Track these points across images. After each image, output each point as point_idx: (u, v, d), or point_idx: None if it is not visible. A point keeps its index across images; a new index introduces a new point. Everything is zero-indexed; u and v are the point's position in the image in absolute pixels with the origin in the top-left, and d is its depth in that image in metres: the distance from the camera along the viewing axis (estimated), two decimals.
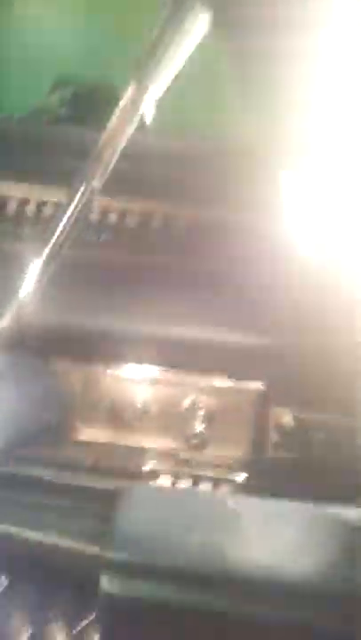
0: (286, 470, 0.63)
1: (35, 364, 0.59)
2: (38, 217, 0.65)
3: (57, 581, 0.48)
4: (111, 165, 0.49)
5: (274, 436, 0.63)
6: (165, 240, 0.64)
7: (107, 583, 0.41)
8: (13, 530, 0.47)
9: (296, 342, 0.60)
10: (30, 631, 0.48)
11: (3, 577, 0.49)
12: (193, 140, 0.66)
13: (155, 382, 0.63)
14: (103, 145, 0.48)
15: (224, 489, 0.64)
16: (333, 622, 0.39)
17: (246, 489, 0.64)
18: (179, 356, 0.61)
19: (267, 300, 0.58)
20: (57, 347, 0.57)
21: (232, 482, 0.63)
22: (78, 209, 0.48)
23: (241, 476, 0.63)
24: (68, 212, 0.47)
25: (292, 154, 0.58)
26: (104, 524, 0.43)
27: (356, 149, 0.52)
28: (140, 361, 0.61)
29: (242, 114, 0.60)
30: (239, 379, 0.62)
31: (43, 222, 0.64)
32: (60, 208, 0.54)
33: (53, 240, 0.49)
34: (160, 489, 0.56)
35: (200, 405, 0.62)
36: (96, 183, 0.48)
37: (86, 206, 0.49)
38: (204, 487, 0.64)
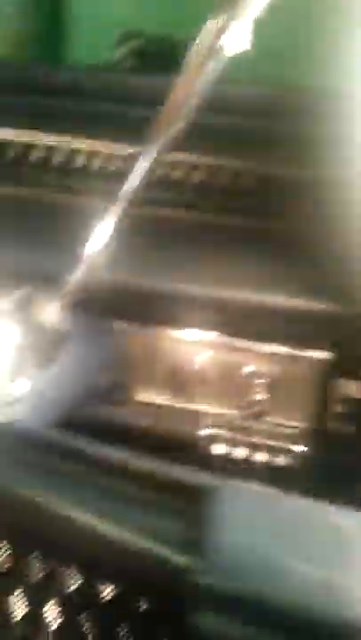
0: (347, 443, 0.61)
1: (96, 323, 0.59)
2: (108, 171, 0.63)
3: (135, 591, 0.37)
4: (185, 117, 0.46)
5: (337, 408, 0.60)
6: (235, 199, 0.60)
7: (191, 614, 0.31)
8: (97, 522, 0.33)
9: None
10: None
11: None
12: (282, 91, 0.61)
13: (215, 347, 0.62)
14: (179, 93, 0.44)
15: (281, 459, 0.62)
16: None
17: (304, 460, 0.62)
18: (242, 322, 0.59)
19: (340, 265, 0.55)
20: (118, 307, 0.55)
21: (290, 452, 0.62)
22: (152, 164, 0.44)
23: (300, 447, 0.62)
24: (141, 168, 0.44)
25: None
26: (187, 528, 0.33)
27: None
28: (202, 325, 0.59)
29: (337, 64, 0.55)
30: (305, 347, 0.59)
31: (113, 177, 0.62)
32: (132, 162, 0.52)
33: (125, 197, 0.45)
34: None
35: (262, 373, 0.60)
36: (171, 137, 0.45)
37: (160, 161, 0.46)
38: (261, 456, 0.63)
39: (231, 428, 0.63)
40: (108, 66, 0.87)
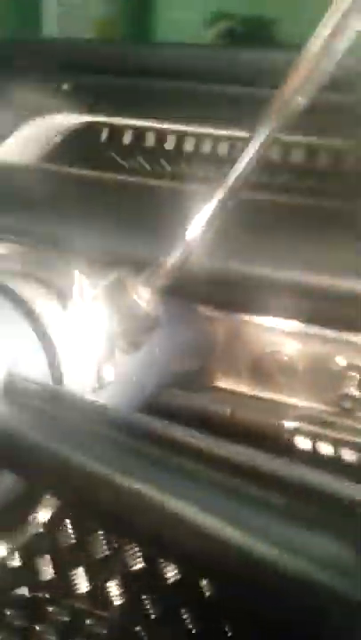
0: None
1: (184, 308, 0.58)
2: (210, 155, 0.60)
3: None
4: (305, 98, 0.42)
5: None
6: (335, 183, 0.57)
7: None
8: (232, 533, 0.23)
9: None
10: None
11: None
12: None
13: (307, 337, 0.59)
14: (301, 72, 0.41)
15: None
16: None
17: None
18: (336, 311, 0.56)
19: None
20: (208, 293, 0.54)
21: None
22: (261, 148, 0.41)
23: None
24: (250, 152, 0.41)
25: None
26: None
27: None
28: (293, 314, 0.57)
29: None
30: None
31: (216, 161, 0.60)
32: (238, 146, 0.49)
33: (230, 181, 0.43)
34: None
35: (354, 365, 0.57)
36: (287, 118, 0.41)
37: (268, 145, 0.43)
38: (348, 454, 0.60)
39: (317, 423, 0.61)
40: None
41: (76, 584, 0.66)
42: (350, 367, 0.57)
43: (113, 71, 0.57)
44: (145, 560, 0.65)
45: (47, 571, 0.66)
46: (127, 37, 1.10)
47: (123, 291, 0.41)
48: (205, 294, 0.53)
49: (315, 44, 0.37)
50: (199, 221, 0.41)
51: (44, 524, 0.58)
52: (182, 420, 0.66)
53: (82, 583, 0.67)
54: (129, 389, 0.45)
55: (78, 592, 0.66)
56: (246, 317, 0.62)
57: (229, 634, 0.53)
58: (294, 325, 0.60)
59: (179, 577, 0.63)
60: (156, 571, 0.65)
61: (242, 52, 0.55)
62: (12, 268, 0.40)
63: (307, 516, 0.20)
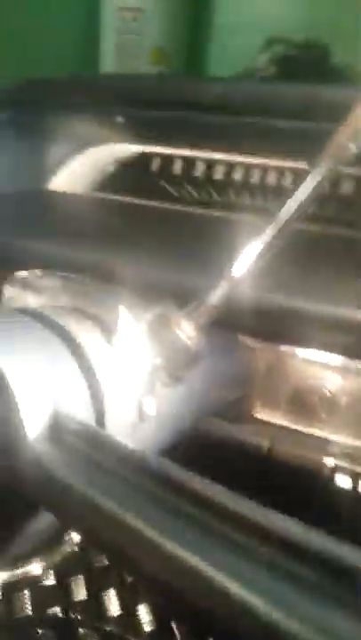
0: None
1: (226, 339, 0.58)
2: (261, 186, 0.61)
3: None
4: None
5: None
6: None
7: None
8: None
9: None
10: None
11: None
12: None
13: (350, 372, 0.58)
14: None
15: None
16: None
17: None
18: None
19: None
20: (251, 324, 0.54)
21: None
22: (320, 183, 0.41)
23: None
24: (308, 186, 0.41)
25: None
26: None
27: None
28: (337, 348, 0.56)
29: None
30: None
31: (268, 192, 0.60)
32: (289, 177, 0.49)
33: (285, 214, 0.42)
34: None
35: None
36: (342, 156, 0.40)
37: (326, 180, 0.42)
38: None
39: (358, 461, 0.59)
40: (251, 72, 0.85)
41: (107, 607, 0.66)
42: None
43: (164, 104, 0.58)
44: None
45: (80, 592, 0.67)
46: (182, 64, 1.13)
47: (166, 325, 0.42)
48: (248, 325, 0.53)
49: None
50: (247, 255, 0.41)
51: (79, 544, 0.59)
52: (221, 450, 0.67)
53: (114, 606, 0.67)
54: (169, 422, 0.46)
55: (110, 615, 0.67)
56: (289, 349, 0.61)
57: None
58: (338, 360, 0.59)
59: None
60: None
61: (288, 87, 0.56)
62: (61, 300, 0.41)
63: (337, 594, 0.19)
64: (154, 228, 0.56)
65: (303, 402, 0.62)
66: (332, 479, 0.60)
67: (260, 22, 0.92)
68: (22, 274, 0.47)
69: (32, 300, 0.44)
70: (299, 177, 0.63)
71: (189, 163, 0.65)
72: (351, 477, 0.60)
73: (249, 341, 0.61)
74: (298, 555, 0.20)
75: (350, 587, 0.19)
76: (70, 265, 0.47)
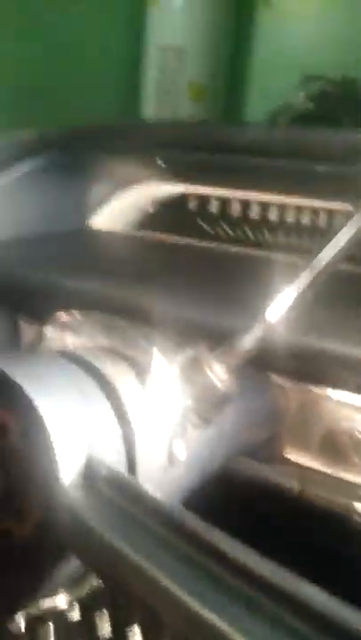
0: None
1: (257, 379, 0.58)
2: (298, 226, 0.62)
3: None
4: None
5: None
6: None
7: None
8: None
9: None
10: None
11: None
12: None
13: None
14: None
15: None
16: None
17: None
18: None
19: None
20: (284, 366, 0.54)
21: None
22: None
23: None
24: (350, 230, 0.41)
25: None
26: None
27: None
28: None
29: None
30: None
31: (304, 233, 0.61)
32: (323, 218, 0.49)
33: (325, 255, 0.42)
34: None
35: None
36: None
37: None
38: None
39: None
40: (289, 108, 0.87)
41: None
42: None
43: (201, 147, 0.59)
44: None
45: (105, 627, 0.67)
46: (221, 100, 1.15)
47: (198, 367, 0.42)
48: (280, 366, 0.53)
49: None
50: (283, 298, 0.41)
51: None
52: (250, 490, 0.66)
53: None
54: (198, 464, 0.46)
55: None
56: (321, 390, 0.61)
57: None
58: None
59: None
60: None
61: (316, 133, 0.57)
62: (98, 341, 0.42)
63: None
64: (190, 267, 0.57)
65: (334, 444, 0.61)
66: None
67: (298, 60, 0.94)
68: (62, 315, 0.48)
69: (71, 341, 0.46)
70: (333, 218, 0.63)
71: (225, 202, 0.66)
72: None
73: (280, 381, 0.60)
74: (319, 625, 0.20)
75: None
76: (109, 305, 0.48)
